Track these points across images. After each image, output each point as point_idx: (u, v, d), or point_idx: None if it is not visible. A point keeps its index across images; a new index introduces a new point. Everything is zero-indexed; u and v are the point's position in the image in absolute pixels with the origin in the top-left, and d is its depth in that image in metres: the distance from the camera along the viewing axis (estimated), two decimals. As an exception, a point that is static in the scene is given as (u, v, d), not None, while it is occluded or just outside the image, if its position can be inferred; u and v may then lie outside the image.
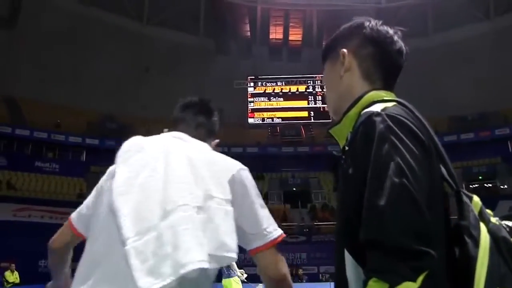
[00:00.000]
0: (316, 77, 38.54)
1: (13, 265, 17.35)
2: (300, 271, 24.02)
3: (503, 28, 34.77)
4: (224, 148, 34.22)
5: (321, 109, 38.22)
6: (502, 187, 29.50)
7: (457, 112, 33.18)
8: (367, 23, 1.45)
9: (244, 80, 38.90)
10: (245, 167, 1.74)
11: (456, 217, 1.20)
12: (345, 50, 1.43)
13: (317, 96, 38.93)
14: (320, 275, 25.15)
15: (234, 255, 1.53)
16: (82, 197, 29.20)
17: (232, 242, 1.53)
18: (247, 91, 39.19)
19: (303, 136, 37.94)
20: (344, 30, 1.49)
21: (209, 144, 1.91)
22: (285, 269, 1.67)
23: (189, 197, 1.52)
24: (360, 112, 1.31)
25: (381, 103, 1.28)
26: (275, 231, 1.67)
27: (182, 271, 1.39)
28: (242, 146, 34.71)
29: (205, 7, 38.56)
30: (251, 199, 1.66)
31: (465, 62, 34.53)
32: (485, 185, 29.93)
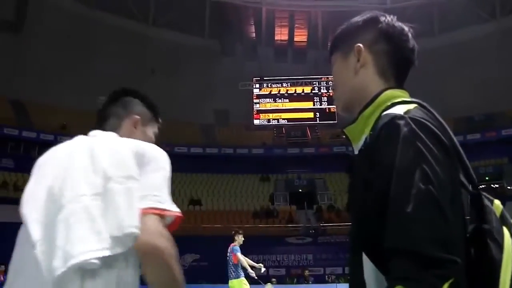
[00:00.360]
0: (321, 78, 38.50)
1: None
2: (306, 272, 24.00)
3: (509, 28, 34.63)
4: (230, 149, 34.30)
5: (327, 110, 38.19)
6: (509, 187, 29.33)
7: (463, 112, 33.06)
8: (382, 18, 1.42)
9: (250, 81, 38.90)
10: (154, 145, 1.69)
11: (468, 218, 1.18)
12: (361, 45, 1.39)
13: (322, 97, 38.88)
14: (326, 276, 25.11)
15: (134, 229, 1.44)
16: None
17: (131, 217, 1.46)
18: (253, 92, 39.17)
19: (309, 137, 37.90)
20: (357, 22, 1.45)
21: (125, 127, 1.89)
22: (161, 243, 1.44)
23: (86, 187, 1.49)
24: (375, 111, 1.29)
25: (402, 104, 1.25)
26: (164, 203, 1.52)
27: (71, 262, 1.36)
28: (248, 148, 34.73)
29: (210, 8, 38.61)
30: (151, 168, 1.57)
31: (471, 62, 34.42)
32: (492, 185, 29.76)
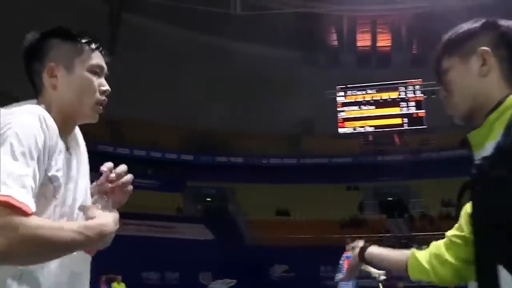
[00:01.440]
0: (407, 82, 37.37)
1: (119, 276, 18.19)
2: (401, 284, 23.26)
3: None
4: (317, 159, 34.16)
5: (415, 116, 36.97)
6: None
7: None
8: (502, 22, 1.38)
9: (333, 89, 38.56)
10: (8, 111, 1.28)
11: None
12: (487, 49, 1.34)
13: (409, 102, 37.70)
14: None
15: None
16: (180, 211, 30.26)
17: None
18: (337, 100, 38.76)
19: (397, 144, 36.91)
20: (474, 27, 1.40)
21: (47, 84, 1.47)
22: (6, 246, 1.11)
23: None
24: (501, 116, 1.26)
25: None
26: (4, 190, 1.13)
27: None
28: (335, 157, 34.45)
29: (290, 19, 38.84)
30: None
31: None
32: None
